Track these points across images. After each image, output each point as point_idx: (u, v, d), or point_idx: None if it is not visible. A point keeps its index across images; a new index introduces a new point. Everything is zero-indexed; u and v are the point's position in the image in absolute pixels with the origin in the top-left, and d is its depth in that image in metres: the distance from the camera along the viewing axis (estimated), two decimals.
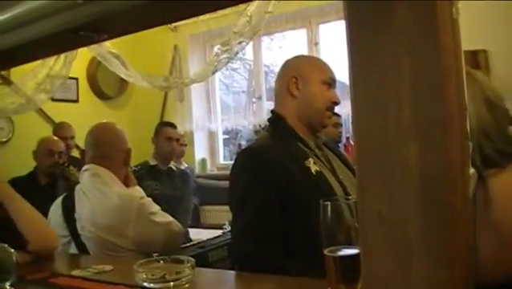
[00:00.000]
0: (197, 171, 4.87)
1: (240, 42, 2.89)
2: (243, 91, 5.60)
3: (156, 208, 2.16)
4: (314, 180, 1.60)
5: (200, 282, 1.41)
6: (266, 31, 4.77)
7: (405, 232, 0.57)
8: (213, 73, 3.30)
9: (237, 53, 3.00)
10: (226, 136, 5.48)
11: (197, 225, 4.03)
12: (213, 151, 5.30)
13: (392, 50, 0.56)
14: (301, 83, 1.75)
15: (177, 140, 3.97)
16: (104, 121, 2.49)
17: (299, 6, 4.33)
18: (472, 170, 1.08)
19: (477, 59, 3.47)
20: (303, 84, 1.75)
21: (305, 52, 4.46)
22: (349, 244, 1.02)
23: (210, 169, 5.19)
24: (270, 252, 1.52)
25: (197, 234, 3.43)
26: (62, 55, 3.34)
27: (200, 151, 5.23)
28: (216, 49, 3.18)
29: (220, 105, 5.35)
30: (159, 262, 1.32)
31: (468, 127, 0.58)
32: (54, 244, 1.87)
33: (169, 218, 2.18)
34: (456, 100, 0.56)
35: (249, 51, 5.02)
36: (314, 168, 1.62)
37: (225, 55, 2.95)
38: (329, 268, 1.03)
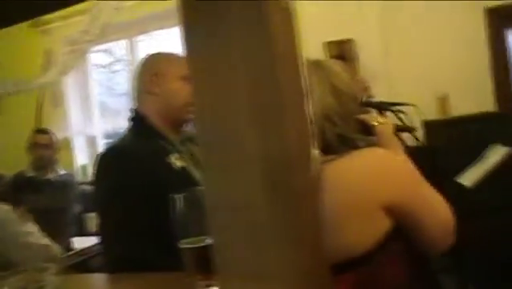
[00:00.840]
0: (79, 178, 4.70)
1: (89, 41, 2.82)
2: (125, 93, 5.49)
3: (31, 228, 2.06)
4: (177, 175, 1.60)
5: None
6: (143, 31, 4.70)
7: (251, 217, 0.56)
8: (63, 74, 3.19)
9: (85, 52, 2.92)
10: (109, 140, 5.33)
11: (82, 233, 3.89)
12: (93, 156, 5.14)
13: (223, 38, 0.56)
14: (160, 80, 1.72)
15: (46, 145, 3.75)
16: None
17: (172, 5, 4.29)
18: (315, 151, 1.13)
19: (342, 49, 3.66)
20: (162, 81, 1.71)
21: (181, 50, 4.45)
22: (204, 234, 1.04)
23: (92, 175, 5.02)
24: (139, 252, 1.51)
25: (82, 243, 3.34)
26: None
27: (80, 157, 5.07)
28: (63, 49, 3.10)
29: (100, 108, 5.19)
30: (21, 273, 1.29)
31: (308, 111, 0.59)
32: None
33: (47, 241, 2.09)
34: (292, 86, 0.57)
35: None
36: (177, 163, 1.62)
37: (72, 55, 2.87)
38: (186, 260, 1.05)
